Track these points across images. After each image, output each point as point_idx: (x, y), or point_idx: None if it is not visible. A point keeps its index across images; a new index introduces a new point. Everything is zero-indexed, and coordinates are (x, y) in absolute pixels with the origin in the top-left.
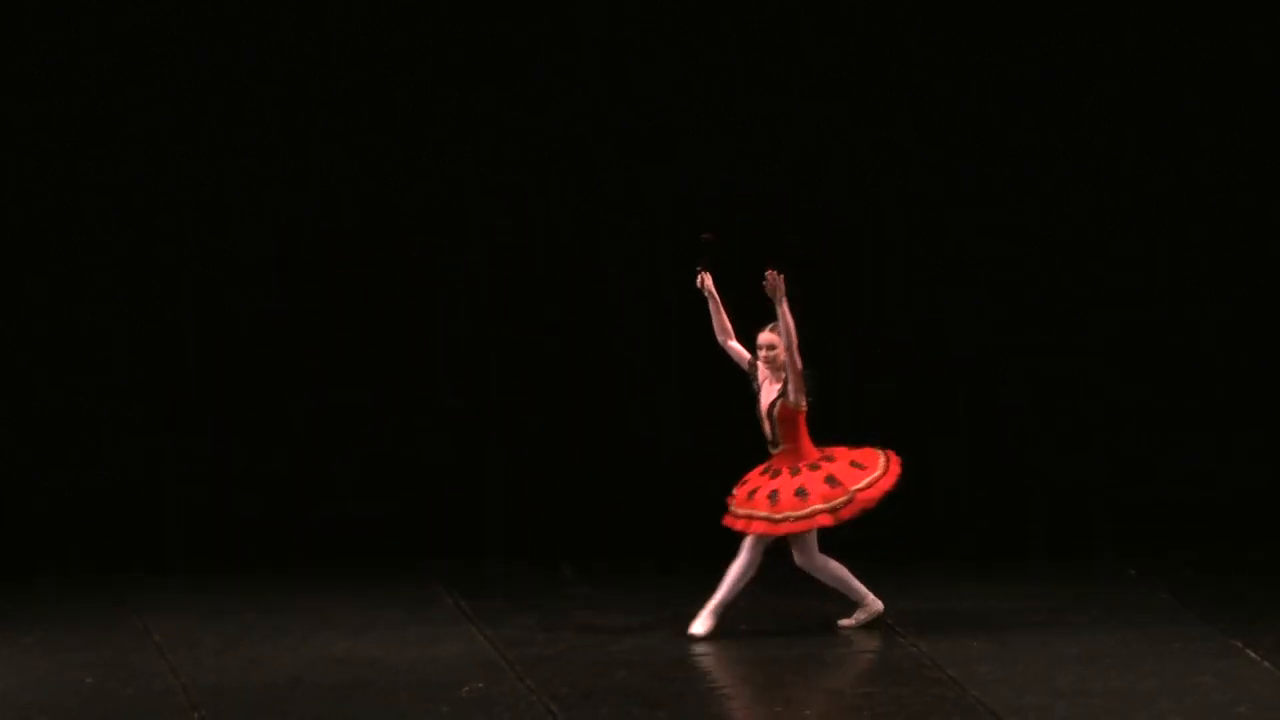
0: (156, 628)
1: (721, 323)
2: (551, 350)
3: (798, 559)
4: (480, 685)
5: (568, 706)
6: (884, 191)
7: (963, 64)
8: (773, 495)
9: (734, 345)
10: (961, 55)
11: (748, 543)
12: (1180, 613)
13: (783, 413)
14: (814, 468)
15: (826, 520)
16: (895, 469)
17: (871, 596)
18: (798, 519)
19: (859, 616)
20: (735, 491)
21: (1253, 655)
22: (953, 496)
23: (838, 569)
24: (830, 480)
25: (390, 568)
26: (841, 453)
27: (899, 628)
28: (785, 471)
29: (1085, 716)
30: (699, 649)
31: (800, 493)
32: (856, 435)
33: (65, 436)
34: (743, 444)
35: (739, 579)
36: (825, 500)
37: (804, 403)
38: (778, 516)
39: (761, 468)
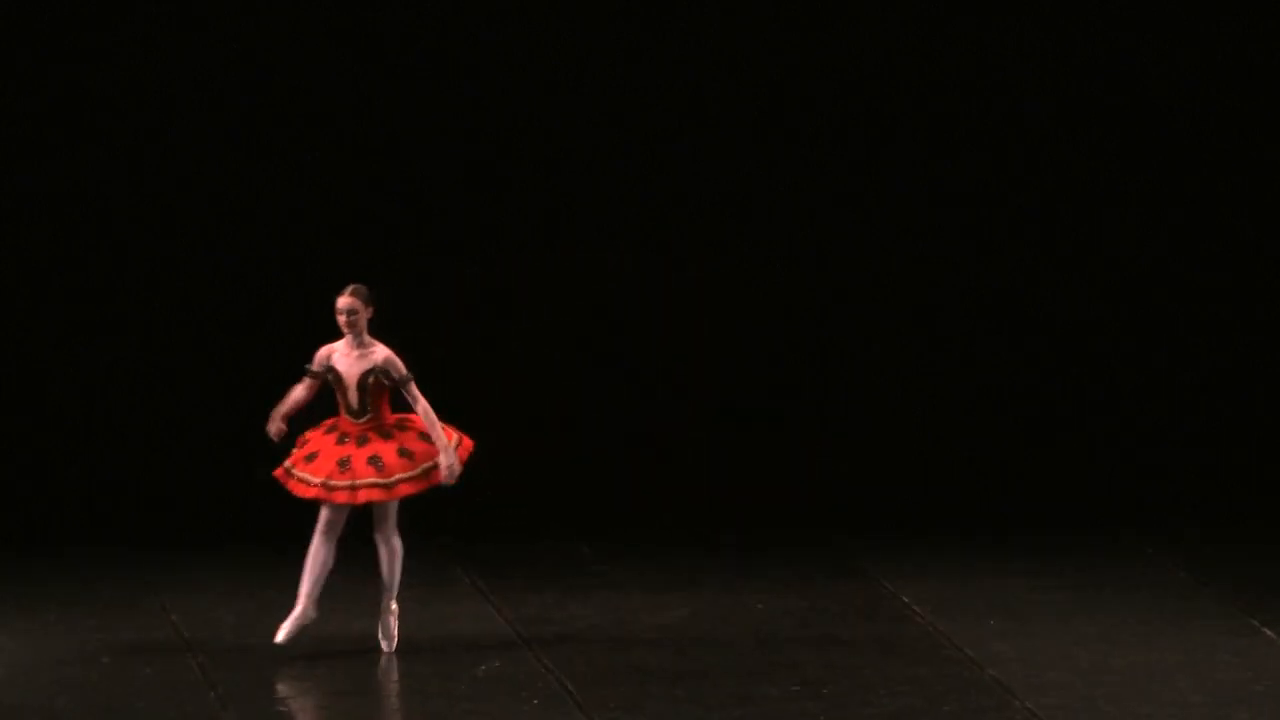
0: (174, 606)
1: (298, 403)
2: (567, 329)
3: (378, 530)
4: (496, 664)
5: (585, 685)
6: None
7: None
8: (374, 460)
9: (308, 386)
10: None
11: (330, 529)
12: (1198, 591)
13: (375, 385)
14: (402, 428)
15: (440, 475)
16: (467, 442)
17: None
18: (411, 479)
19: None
20: (301, 464)
21: (1270, 634)
22: (968, 474)
23: (400, 557)
24: (424, 437)
25: (408, 547)
26: (411, 418)
27: (915, 607)
28: (375, 438)
29: (1104, 694)
30: (714, 627)
31: (404, 453)
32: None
33: (84, 415)
34: (753, 420)
35: (323, 571)
36: (430, 457)
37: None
38: (388, 481)
39: (334, 437)
